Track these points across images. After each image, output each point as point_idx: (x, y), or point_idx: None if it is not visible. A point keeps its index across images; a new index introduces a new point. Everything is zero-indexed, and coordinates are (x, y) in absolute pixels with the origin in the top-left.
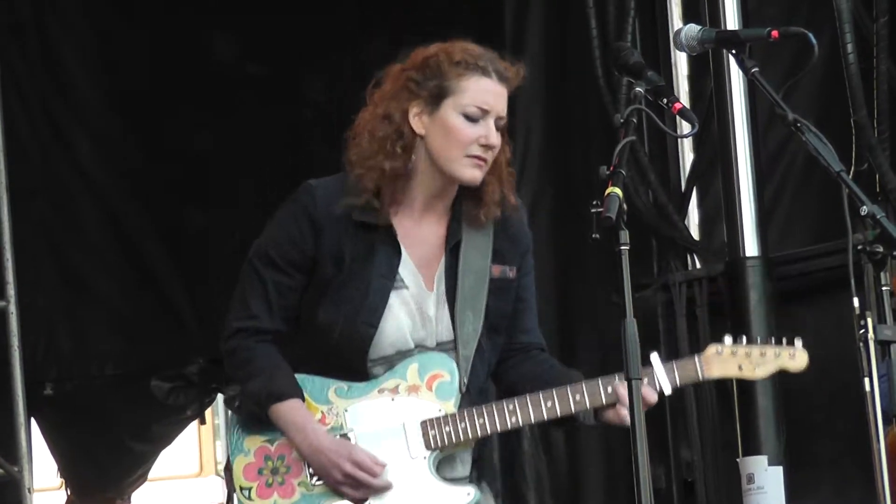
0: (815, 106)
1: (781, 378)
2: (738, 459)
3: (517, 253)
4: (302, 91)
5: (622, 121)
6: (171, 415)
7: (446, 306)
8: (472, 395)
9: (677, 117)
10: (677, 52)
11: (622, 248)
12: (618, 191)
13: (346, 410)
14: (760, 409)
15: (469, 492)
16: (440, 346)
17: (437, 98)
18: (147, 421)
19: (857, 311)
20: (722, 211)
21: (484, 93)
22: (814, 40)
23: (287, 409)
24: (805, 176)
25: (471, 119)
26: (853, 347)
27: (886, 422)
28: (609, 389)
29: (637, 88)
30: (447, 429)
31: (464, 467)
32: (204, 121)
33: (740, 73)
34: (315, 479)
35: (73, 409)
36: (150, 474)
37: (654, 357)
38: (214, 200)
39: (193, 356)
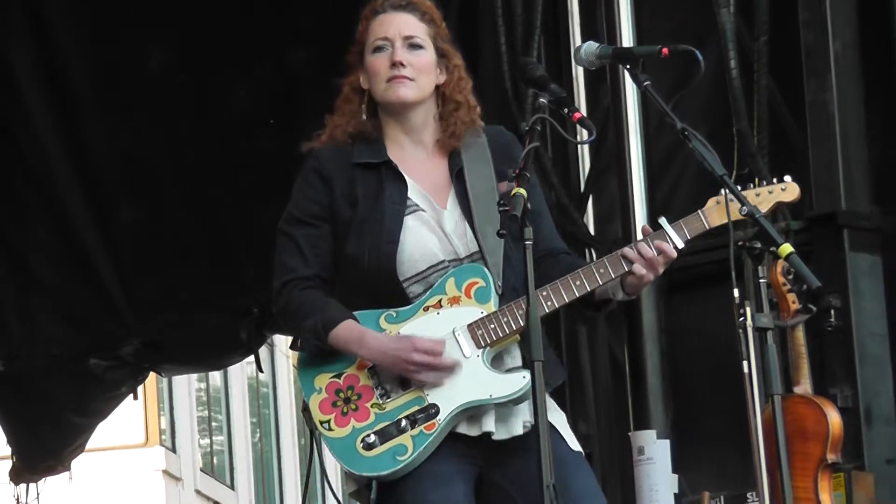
0: (702, 116)
1: (669, 359)
2: (629, 433)
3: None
4: (227, 96)
5: (527, 128)
6: (107, 391)
7: (465, 223)
8: (508, 298)
9: (577, 125)
10: (577, 66)
11: (526, 242)
12: (523, 191)
13: (398, 333)
14: (650, 387)
15: (524, 375)
16: (469, 257)
17: (361, 55)
18: (85, 396)
19: (738, 301)
20: (617, 210)
21: (378, 27)
22: (700, 57)
23: (343, 330)
24: (694, 179)
25: (378, 50)
26: (734, 333)
27: (763, 400)
28: (628, 254)
29: (541, 99)
30: (492, 325)
31: (513, 360)
32: (139, 124)
33: (634, 85)
34: (385, 398)
35: (20, 386)
36: (101, 444)
37: (663, 220)
38: (146, 198)
39: (127, 339)
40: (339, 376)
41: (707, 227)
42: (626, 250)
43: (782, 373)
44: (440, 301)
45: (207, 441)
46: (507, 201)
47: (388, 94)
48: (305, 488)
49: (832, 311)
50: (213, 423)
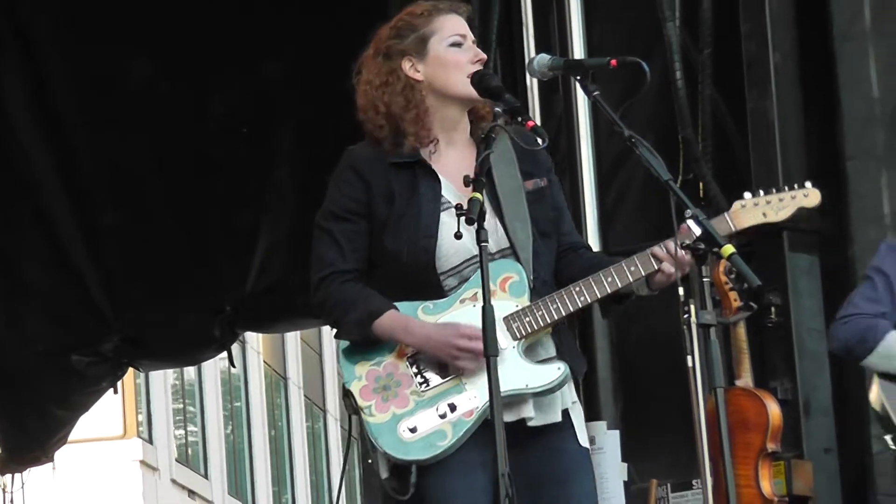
0: (649, 124)
1: (618, 354)
2: None
3: (543, 168)
4: (204, 105)
5: (483, 136)
6: (88, 386)
7: (496, 218)
8: (540, 291)
9: (531, 133)
10: (531, 77)
11: (482, 245)
12: (479, 196)
13: (436, 323)
14: (600, 380)
15: (559, 367)
16: (500, 253)
17: (421, 45)
18: (68, 391)
19: (682, 299)
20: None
21: (454, 24)
22: (647, 68)
23: (387, 319)
24: (642, 183)
25: (457, 46)
26: (679, 330)
27: (707, 393)
28: (658, 253)
29: (496, 108)
30: (527, 319)
31: (546, 351)
32: (121, 134)
33: (585, 95)
34: (424, 386)
35: (6, 381)
36: (80, 436)
37: (691, 221)
38: (127, 205)
39: (108, 337)
40: (378, 364)
41: (733, 229)
42: (657, 249)
43: (725, 367)
44: (476, 294)
45: (182, 432)
46: (463, 205)
47: (470, 90)
48: (343, 471)
49: (773, 309)
50: (188, 416)
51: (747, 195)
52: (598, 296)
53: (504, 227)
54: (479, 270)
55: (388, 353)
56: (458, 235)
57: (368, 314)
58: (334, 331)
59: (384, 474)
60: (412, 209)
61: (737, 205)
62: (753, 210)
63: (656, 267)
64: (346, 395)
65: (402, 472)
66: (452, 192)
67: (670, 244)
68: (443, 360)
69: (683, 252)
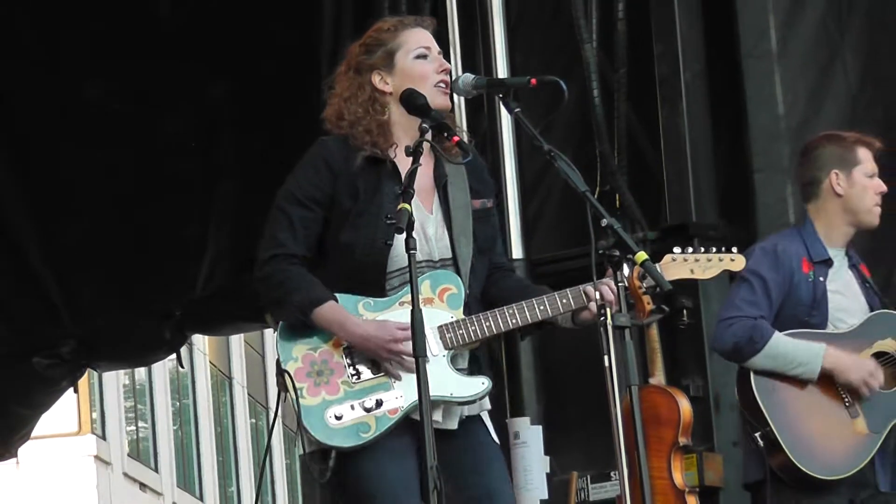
0: (567, 139)
1: (540, 354)
2: (506, 420)
3: (488, 190)
4: (154, 123)
5: (412, 150)
6: (48, 385)
7: (445, 230)
8: (470, 306)
9: (456, 147)
10: (457, 95)
11: (411, 252)
12: (407, 206)
13: (374, 321)
14: (524, 379)
15: (483, 381)
16: (441, 262)
17: (388, 59)
18: (29, 390)
19: (600, 303)
20: None
21: (419, 37)
22: (564, 86)
23: (328, 310)
24: (562, 194)
25: (422, 57)
26: (597, 331)
27: (623, 391)
28: (589, 293)
29: (423, 124)
30: (460, 331)
31: (464, 361)
32: (77, 150)
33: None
34: (355, 378)
35: None
36: (39, 432)
37: (625, 268)
38: (83, 216)
39: (66, 339)
40: (314, 349)
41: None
42: (588, 288)
43: (639, 366)
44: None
45: (134, 429)
46: (392, 215)
47: (435, 100)
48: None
49: (685, 311)
50: (139, 413)
51: (677, 250)
52: (529, 320)
53: (451, 238)
54: (423, 275)
55: (326, 341)
56: (386, 245)
57: (310, 301)
58: (271, 310)
59: (308, 449)
60: (373, 207)
61: (667, 258)
62: (683, 265)
63: (584, 304)
64: (281, 373)
65: (323, 454)
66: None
67: (604, 288)
68: (375, 359)
69: (611, 294)
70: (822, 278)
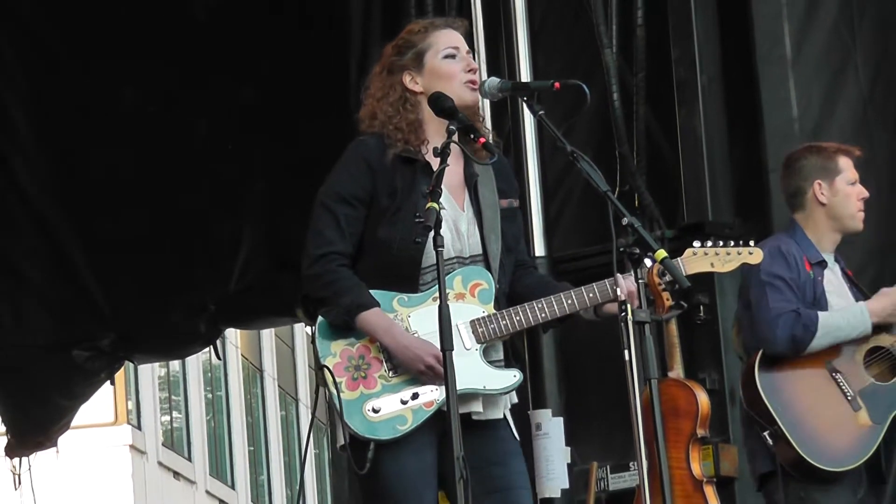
0: (588, 140)
1: (562, 348)
2: (528, 412)
3: (513, 190)
4: (191, 125)
5: (439, 151)
6: (88, 377)
7: (476, 227)
8: (499, 300)
9: (482, 148)
10: (483, 98)
11: (438, 249)
12: (435, 205)
13: (409, 316)
14: (546, 371)
15: (515, 374)
16: (472, 259)
17: (418, 59)
18: (69, 382)
19: (620, 299)
20: None
21: (448, 38)
22: (587, 90)
23: (373, 316)
24: (583, 194)
25: (451, 57)
26: (617, 326)
27: (642, 384)
28: (614, 287)
29: (451, 126)
30: (492, 325)
31: (496, 353)
32: (115, 150)
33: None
34: (391, 372)
35: (13, 371)
36: (77, 422)
37: (647, 260)
38: (122, 213)
39: (106, 332)
40: (351, 345)
41: (685, 272)
42: (619, 279)
43: (658, 360)
44: (448, 293)
45: (168, 419)
46: (421, 214)
47: (464, 96)
48: (308, 439)
49: (701, 307)
50: (173, 404)
51: (697, 244)
52: (558, 314)
53: (482, 235)
54: (454, 271)
55: (362, 337)
56: (416, 243)
57: (357, 306)
58: (317, 307)
59: (346, 442)
60: (409, 204)
61: (689, 252)
62: (703, 259)
63: (611, 296)
64: (320, 368)
65: (360, 446)
66: (444, 195)
67: (628, 280)
68: (410, 369)
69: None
70: (819, 278)
